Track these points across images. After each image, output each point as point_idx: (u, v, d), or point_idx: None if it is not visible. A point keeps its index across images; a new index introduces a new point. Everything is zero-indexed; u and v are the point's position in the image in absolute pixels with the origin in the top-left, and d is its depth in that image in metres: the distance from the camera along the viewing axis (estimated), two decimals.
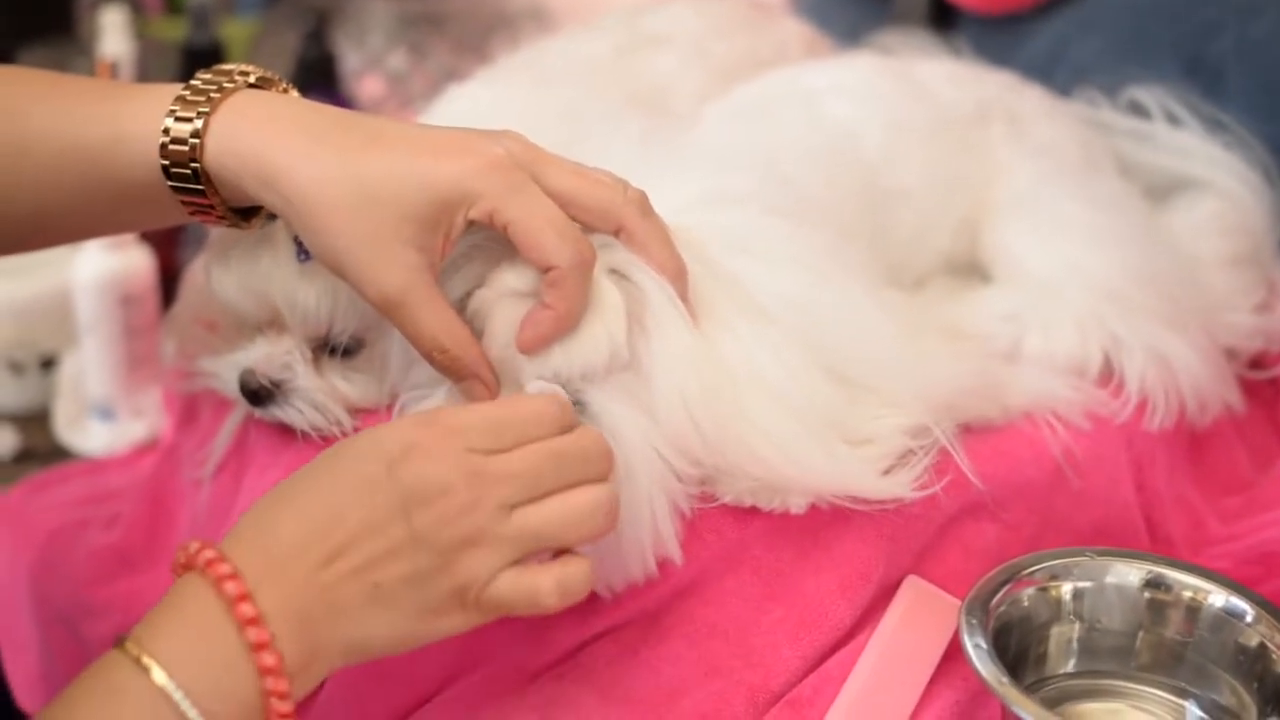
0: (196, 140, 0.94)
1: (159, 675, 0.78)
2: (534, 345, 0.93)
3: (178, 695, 0.77)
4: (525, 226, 0.92)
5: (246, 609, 0.79)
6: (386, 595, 0.83)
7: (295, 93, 1.02)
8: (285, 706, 0.80)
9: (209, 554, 0.81)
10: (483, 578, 0.85)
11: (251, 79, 0.99)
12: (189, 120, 0.95)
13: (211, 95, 0.96)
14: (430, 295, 0.93)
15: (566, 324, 0.93)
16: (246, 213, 1.02)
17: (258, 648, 0.79)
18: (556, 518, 0.86)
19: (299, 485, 0.85)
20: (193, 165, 0.95)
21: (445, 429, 0.85)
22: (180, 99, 0.96)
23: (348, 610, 0.83)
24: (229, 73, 0.98)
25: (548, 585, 0.86)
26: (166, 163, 0.95)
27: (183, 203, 0.98)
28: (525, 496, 0.86)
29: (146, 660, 0.78)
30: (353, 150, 0.93)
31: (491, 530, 0.85)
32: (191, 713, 0.77)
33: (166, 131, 0.95)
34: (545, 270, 0.92)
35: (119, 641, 0.80)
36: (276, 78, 1.02)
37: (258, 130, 0.94)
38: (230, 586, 0.80)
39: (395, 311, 0.93)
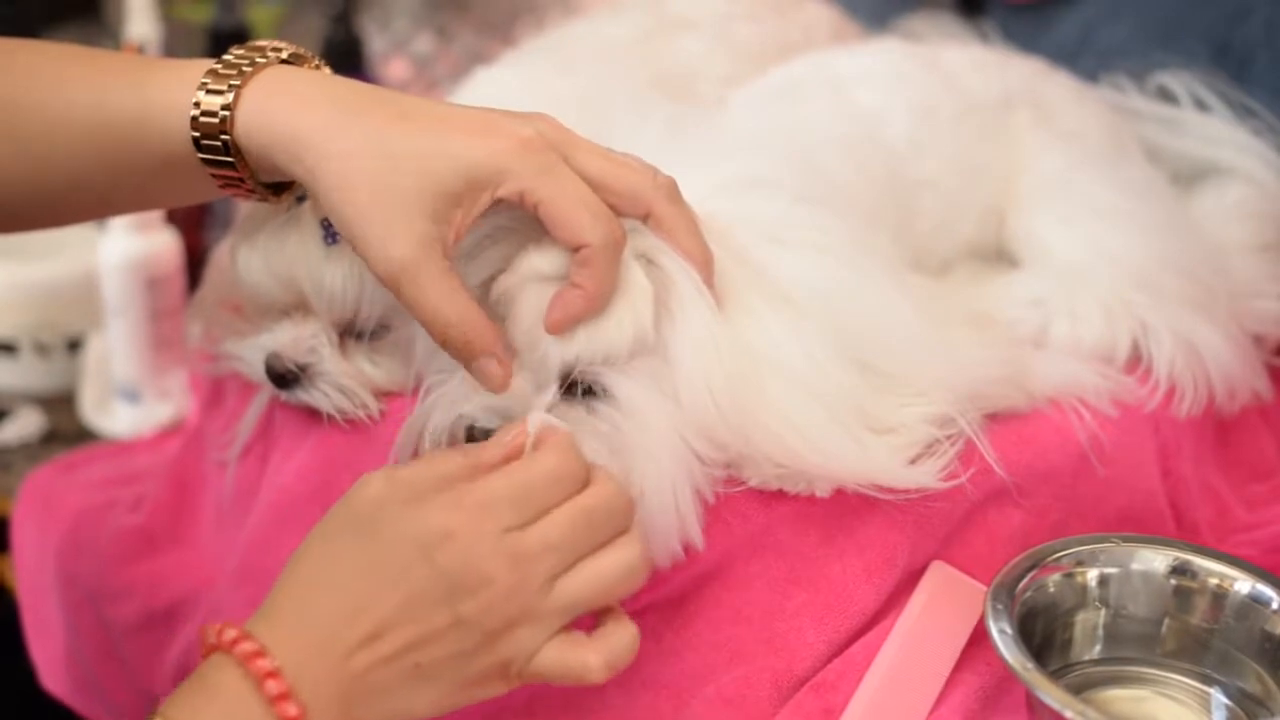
0: (227, 113, 0.94)
1: None
2: (562, 325, 0.93)
3: None
4: (557, 205, 0.91)
5: (274, 685, 0.80)
6: (428, 673, 0.84)
7: (328, 70, 1.02)
8: None
9: (248, 646, 0.81)
10: (527, 652, 0.86)
11: (284, 55, 0.99)
12: (220, 93, 0.95)
13: (243, 69, 0.96)
14: (438, 269, 0.91)
15: (596, 305, 0.93)
16: (278, 187, 1.02)
17: (276, 699, 0.80)
18: (595, 584, 0.87)
19: (332, 565, 0.85)
20: (223, 138, 0.95)
21: (476, 509, 0.85)
22: (212, 72, 0.96)
23: (388, 689, 0.84)
24: (261, 48, 0.99)
25: (596, 663, 0.87)
26: (197, 134, 0.95)
27: (213, 175, 0.98)
28: (564, 566, 0.86)
29: None
30: (384, 125, 0.92)
31: (535, 607, 0.85)
32: None
33: (197, 104, 0.95)
34: (576, 249, 0.92)
35: (149, 718, 0.81)
36: (309, 55, 1.02)
37: (288, 104, 0.94)
38: (260, 664, 0.80)
39: (401, 283, 0.91)
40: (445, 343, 0.93)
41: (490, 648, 0.85)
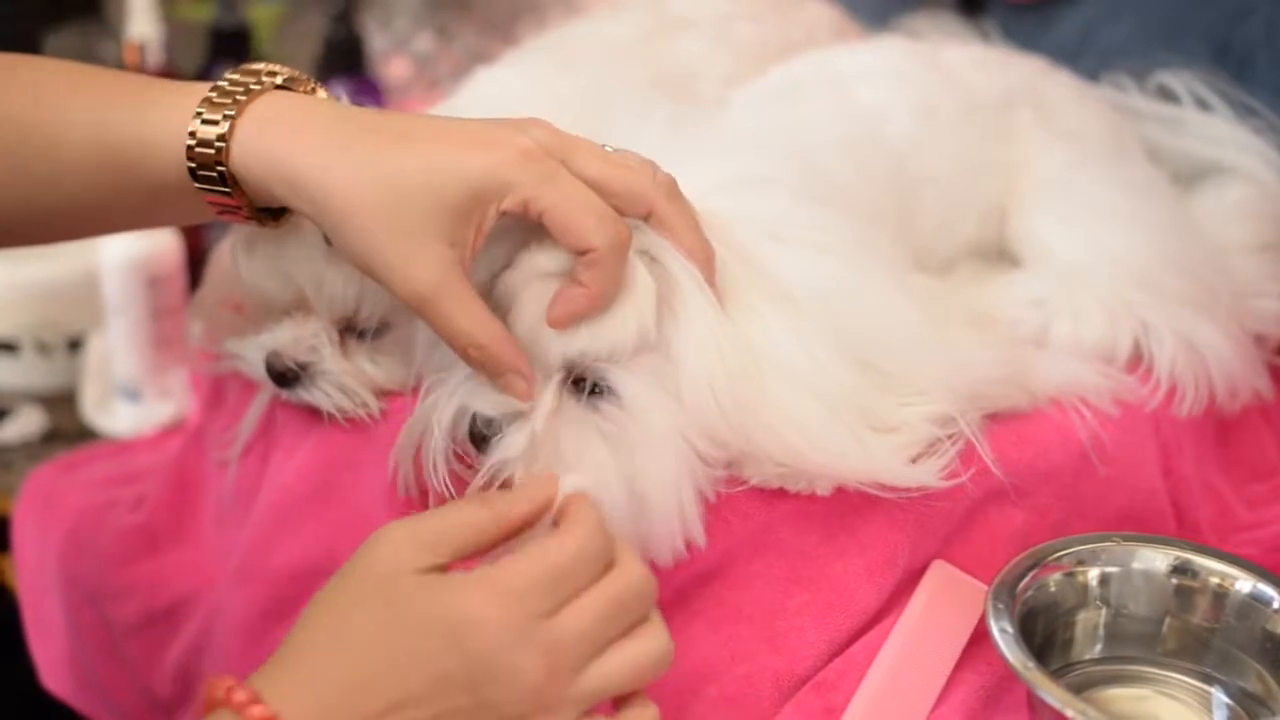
0: (222, 144, 0.94)
1: None
2: (564, 321, 0.93)
3: None
4: (562, 213, 0.91)
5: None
6: None
7: (323, 92, 1.02)
8: None
9: (242, 695, 0.80)
10: None
11: (279, 79, 0.99)
12: (214, 123, 0.94)
13: (237, 97, 0.95)
14: (462, 291, 0.92)
15: (601, 304, 0.93)
16: (275, 212, 1.02)
17: None
18: (621, 674, 0.85)
19: (352, 633, 0.83)
20: (219, 168, 0.95)
21: (508, 596, 0.83)
22: (207, 100, 0.95)
23: None
24: (256, 73, 0.98)
25: None
26: (193, 164, 0.95)
27: (210, 203, 0.98)
28: (593, 655, 0.84)
29: None
30: (381, 150, 0.92)
31: (561, 695, 0.83)
32: None
33: (193, 134, 0.95)
34: (582, 253, 0.92)
35: None
36: (304, 77, 1.02)
37: (284, 135, 0.94)
38: (255, 711, 0.79)
39: (428, 309, 0.92)
40: (470, 360, 0.94)
41: None
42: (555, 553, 0.85)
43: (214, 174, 0.95)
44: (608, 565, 0.87)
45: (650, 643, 0.86)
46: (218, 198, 0.97)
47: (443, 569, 0.85)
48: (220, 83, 0.97)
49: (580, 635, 0.83)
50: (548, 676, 0.82)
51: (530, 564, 0.84)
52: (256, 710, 0.79)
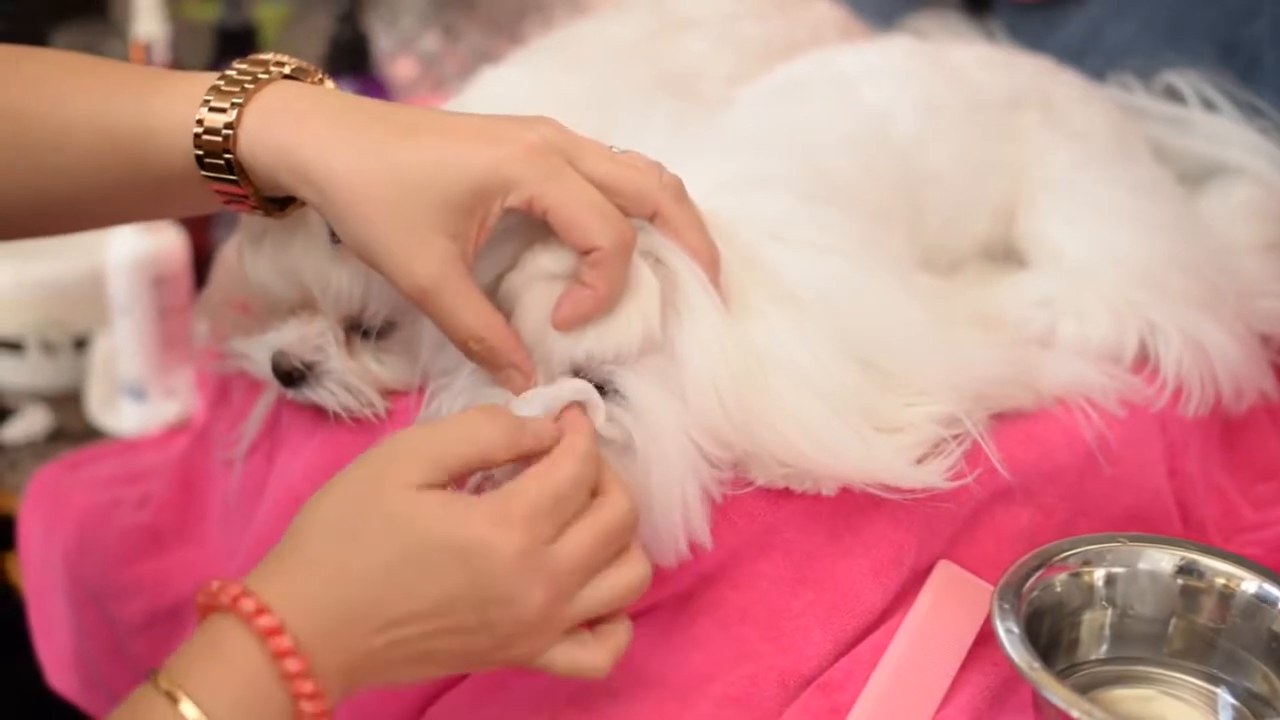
0: (230, 131, 0.94)
1: (192, 711, 0.78)
2: (570, 323, 0.93)
3: None
4: (566, 211, 0.91)
5: (281, 641, 0.80)
6: (436, 660, 0.86)
7: (330, 84, 1.02)
8: None
9: (234, 589, 0.81)
10: (538, 653, 0.88)
11: (287, 69, 0.99)
12: (222, 111, 0.94)
13: (245, 86, 0.95)
14: (464, 285, 0.93)
15: (606, 304, 0.93)
16: (281, 202, 1.02)
17: (294, 677, 0.80)
18: (606, 599, 0.89)
19: (360, 548, 0.84)
20: (226, 156, 0.95)
21: (516, 523, 0.85)
22: (214, 89, 0.96)
23: (392, 668, 0.84)
24: (264, 63, 0.98)
25: (605, 661, 0.90)
26: (200, 152, 0.95)
27: (216, 192, 0.98)
28: (586, 582, 0.88)
29: (183, 702, 0.78)
30: (388, 141, 0.92)
31: (555, 618, 0.87)
32: None
33: (200, 122, 0.95)
34: (586, 252, 0.92)
35: (151, 676, 0.80)
36: (312, 68, 1.02)
37: (291, 123, 0.94)
38: (263, 620, 0.80)
39: (429, 302, 0.93)
40: (470, 354, 0.95)
41: (504, 649, 0.86)
42: (556, 479, 0.87)
43: (221, 162, 0.95)
44: (595, 490, 0.90)
45: (633, 570, 0.90)
46: (225, 186, 0.97)
47: (444, 485, 0.86)
48: (229, 72, 0.97)
49: (577, 565, 0.87)
50: (548, 603, 0.86)
51: (536, 491, 0.86)
52: (265, 621, 0.80)
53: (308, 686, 0.80)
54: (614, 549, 0.89)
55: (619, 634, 0.91)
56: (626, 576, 0.89)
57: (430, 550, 0.84)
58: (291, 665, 0.79)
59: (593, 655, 0.89)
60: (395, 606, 0.83)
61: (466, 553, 0.84)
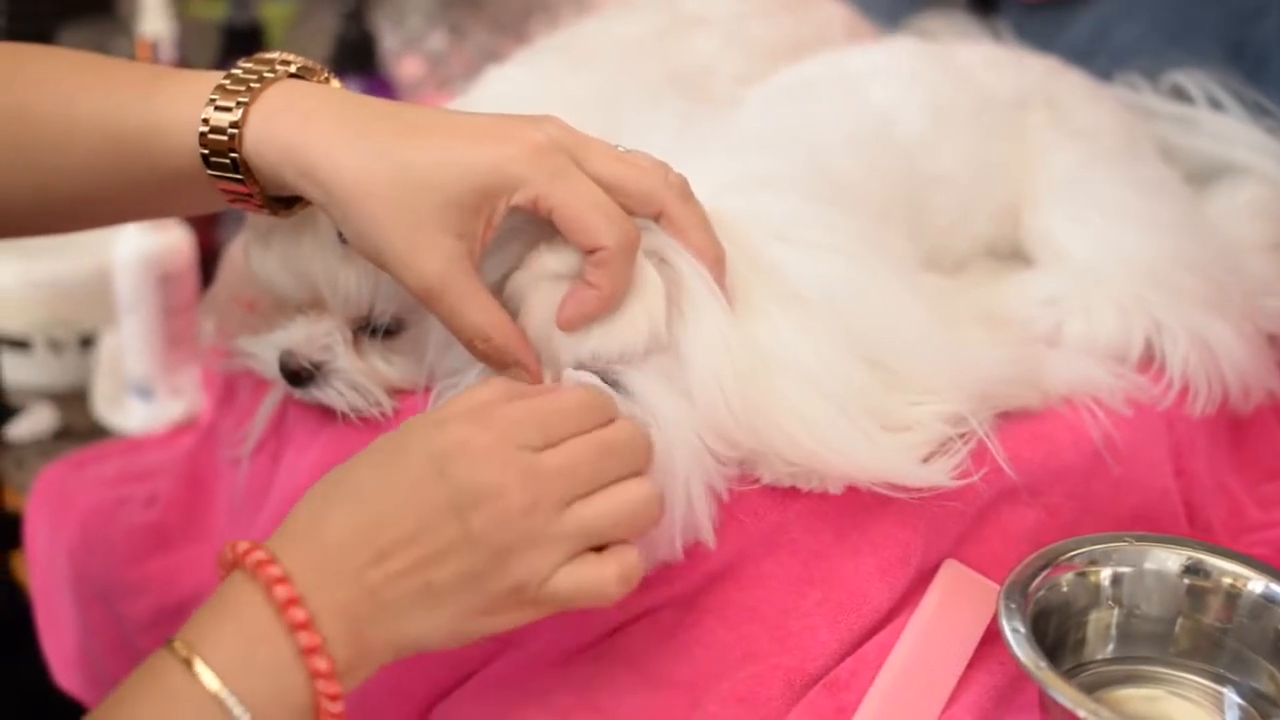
0: (235, 130, 0.94)
1: (212, 680, 0.79)
2: (575, 323, 0.93)
3: (231, 701, 0.79)
4: (571, 210, 0.91)
5: (298, 613, 0.80)
6: (438, 595, 0.84)
7: (336, 83, 1.02)
8: (337, 708, 0.81)
9: (259, 555, 0.82)
10: (541, 575, 0.86)
11: (293, 68, 0.99)
12: (228, 110, 0.94)
13: (251, 85, 0.95)
14: (470, 284, 0.93)
15: (610, 304, 0.93)
16: (287, 201, 1.02)
17: (309, 652, 0.80)
18: (610, 514, 0.88)
19: (348, 482, 0.86)
20: (232, 155, 0.95)
21: (496, 424, 0.86)
22: (220, 88, 0.96)
23: (397, 609, 0.84)
24: (270, 62, 0.98)
25: (612, 576, 0.88)
26: (206, 151, 0.95)
27: (222, 190, 0.98)
28: (578, 492, 0.87)
29: (198, 665, 0.79)
30: (393, 139, 0.92)
31: (547, 529, 0.86)
32: (245, 718, 0.78)
33: (206, 120, 0.95)
34: (591, 252, 0.92)
35: (168, 643, 0.81)
36: (318, 67, 1.02)
37: (297, 122, 0.94)
38: (281, 590, 0.80)
39: (435, 300, 0.93)
40: (477, 353, 0.95)
41: (501, 568, 0.85)
42: (550, 398, 0.89)
43: (227, 161, 0.95)
44: (605, 422, 0.90)
45: (637, 489, 0.89)
46: (230, 185, 0.97)
47: None
48: (234, 71, 0.97)
49: (564, 469, 0.86)
50: (530, 504, 0.85)
51: (526, 402, 0.88)
52: (272, 570, 0.81)
53: (310, 638, 0.80)
54: (616, 466, 0.89)
55: (627, 555, 0.89)
56: (630, 494, 0.89)
57: (409, 465, 0.85)
58: (297, 614, 0.80)
59: (597, 571, 0.87)
60: (381, 534, 0.83)
61: (440, 456, 0.84)
